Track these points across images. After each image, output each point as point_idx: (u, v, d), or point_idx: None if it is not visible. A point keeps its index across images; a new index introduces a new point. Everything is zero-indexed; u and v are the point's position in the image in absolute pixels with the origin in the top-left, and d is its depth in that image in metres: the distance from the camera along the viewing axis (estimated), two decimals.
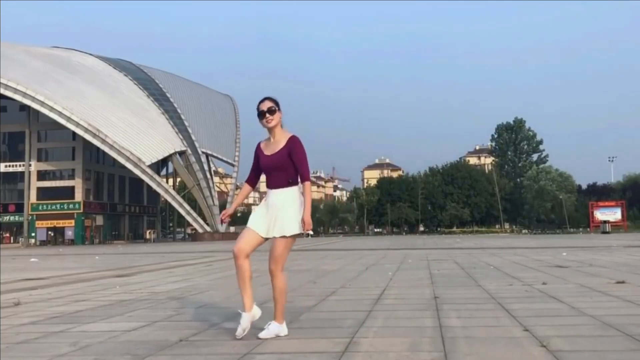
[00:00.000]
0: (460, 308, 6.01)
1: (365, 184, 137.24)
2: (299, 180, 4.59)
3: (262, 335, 4.51)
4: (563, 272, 10.49)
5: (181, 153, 74.41)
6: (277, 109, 4.59)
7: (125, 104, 72.72)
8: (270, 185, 4.61)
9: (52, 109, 65.18)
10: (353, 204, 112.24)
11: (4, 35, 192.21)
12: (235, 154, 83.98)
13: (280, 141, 4.58)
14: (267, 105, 4.58)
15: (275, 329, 4.56)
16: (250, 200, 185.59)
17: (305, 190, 4.57)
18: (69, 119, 65.45)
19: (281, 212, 4.49)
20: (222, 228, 74.94)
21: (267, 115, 4.55)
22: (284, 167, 4.54)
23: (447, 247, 26.92)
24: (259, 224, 4.56)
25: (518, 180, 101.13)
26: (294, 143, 4.55)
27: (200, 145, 76.72)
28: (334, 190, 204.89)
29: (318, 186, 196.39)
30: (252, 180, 4.87)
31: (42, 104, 65.24)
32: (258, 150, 4.69)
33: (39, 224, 72.02)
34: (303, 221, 4.46)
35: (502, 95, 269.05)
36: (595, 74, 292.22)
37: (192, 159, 74.33)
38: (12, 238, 73.65)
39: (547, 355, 3.76)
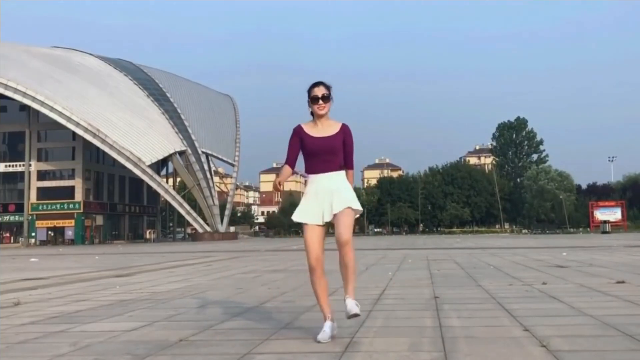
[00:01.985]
0: (460, 308, 6.01)
1: (365, 184, 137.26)
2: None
3: (351, 310, 4.34)
4: (563, 272, 10.49)
5: (181, 153, 74.43)
6: (330, 96, 4.49)
7: (125, 104, 72.75)
8: (319, 169, 4.46)
9: (52, 109, 65.20)
10: None
11: (4, 35, 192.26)
12: (235, 154, 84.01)
13: (330, 127, 4.51)
14: (322, 91, 4.45)
15: (353, 303, 4.38)
16: (250, 200, 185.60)
17: (349, 178, 4.56)
18: (69, 119, 65.47)
19: (340, 190, 4.43)
20: (222, 228, 75.01)
21: (321, 102, 4.45)
22: (337, 151, 4.47)
23: (447, 247, 26.94)
24: (313, 214, 4.40)
25: (518, 180, 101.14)
26: (348, 131, 4.54)
27: (200, 145, 76.74)
28: None
29: None
30: (294, 163, 4.58)
31: (42, 104, 65.26)
32: (301, 132, 4.50)
33: (39, 223, 72.04)
34: None
35: (502, 96, 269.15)
36: (595, 73, 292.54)
37: (192, 158, 74.35)
38: (12, 238, 73.64)
39: (547, 355, 3.76)
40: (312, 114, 4.55)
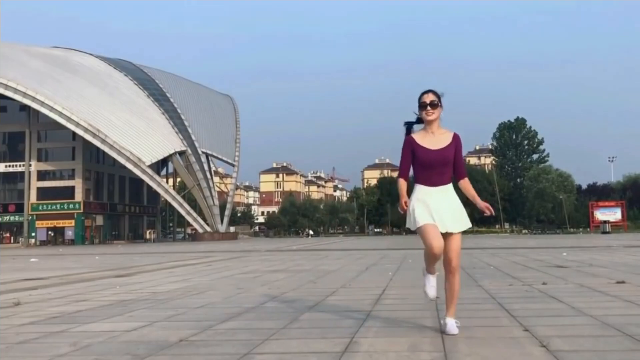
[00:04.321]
0: (460, 308, 5.99)
1: (365, 184, 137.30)
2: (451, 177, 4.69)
3: (450, 331, 4.47)
4: (563, 272, 10.49)
5: (181, 153, 74.44)
6: (439, 103, 4.61)
7: (125, 104, 72.76)
8: (431, 182, 4.57)
9: (52, 109, 65.20)
10: (353, 204, 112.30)
11: (4, 35, 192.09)
12: (235, 154, 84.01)
13: (443, 136, 4.62)
14: (430, 98, 4.59)
15: (453, 324, 4.55)
16: (250, 200, 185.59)
17: (468, 184, 4.75)
18: (69, 119, 65.48)
19: (455, 208, 4.56)
20: (222, 228, 75.00)
21: (429, 108, 4.56)
22: (450, 163, 4.60)
23: None
24: (431, 217, 4.50)
25: (518, 180, 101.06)
26: (459, 141, 4.68)
27: (200, 145, 76.75)
28: (334, 190, 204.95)
29: (318, 186, 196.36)
30: (408, 175, 4.71)
31: (42, 104, 65.26)
32: (414, 143, 4.61)
33: (39, 224, 72.02)
34: (486, 207, 4.69)
35: (502, 95, 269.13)
36: (595, 73, 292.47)
37: (192, 159, 74.36)
38: (12, 238, 73.65)
39: (547, 355, 3.76)
40: (420, 120, 4.70)
